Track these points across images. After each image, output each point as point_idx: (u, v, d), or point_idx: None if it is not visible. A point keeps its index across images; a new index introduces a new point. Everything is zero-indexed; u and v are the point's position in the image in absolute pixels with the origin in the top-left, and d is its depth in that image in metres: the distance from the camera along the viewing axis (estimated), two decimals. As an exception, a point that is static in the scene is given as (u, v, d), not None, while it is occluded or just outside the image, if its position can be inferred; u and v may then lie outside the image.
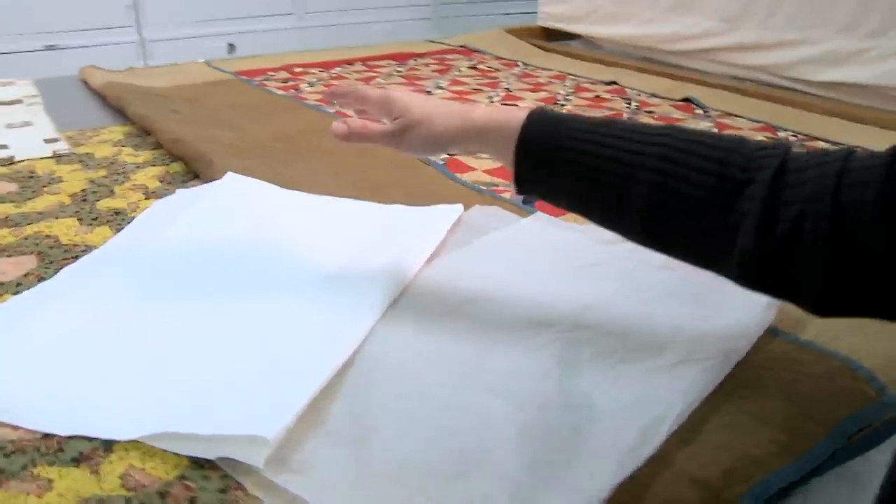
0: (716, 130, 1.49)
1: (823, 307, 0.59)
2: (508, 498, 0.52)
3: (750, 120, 1.57)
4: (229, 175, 1.06)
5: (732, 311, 0.76)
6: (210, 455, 0.57)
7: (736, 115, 1.60)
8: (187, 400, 0.62)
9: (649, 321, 0.75)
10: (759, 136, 1.46)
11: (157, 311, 0.76)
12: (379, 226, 0.94)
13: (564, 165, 0.64)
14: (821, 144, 1.42)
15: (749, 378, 0.69)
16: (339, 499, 0.52)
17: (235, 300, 0.77)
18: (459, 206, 0.99)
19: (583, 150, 0.63)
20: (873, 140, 1.41)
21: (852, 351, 0.73)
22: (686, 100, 1.71)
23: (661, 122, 1.54)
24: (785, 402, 0.66)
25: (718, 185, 0.58)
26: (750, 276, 0.59)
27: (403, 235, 0.90)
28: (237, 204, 0.99)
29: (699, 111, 1.64)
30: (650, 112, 1.62)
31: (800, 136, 1.47)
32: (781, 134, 1.48)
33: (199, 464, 0.58)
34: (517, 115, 0.68)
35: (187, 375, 0.66)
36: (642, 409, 0.61)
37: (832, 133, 1.46)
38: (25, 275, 0.86)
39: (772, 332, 0.76)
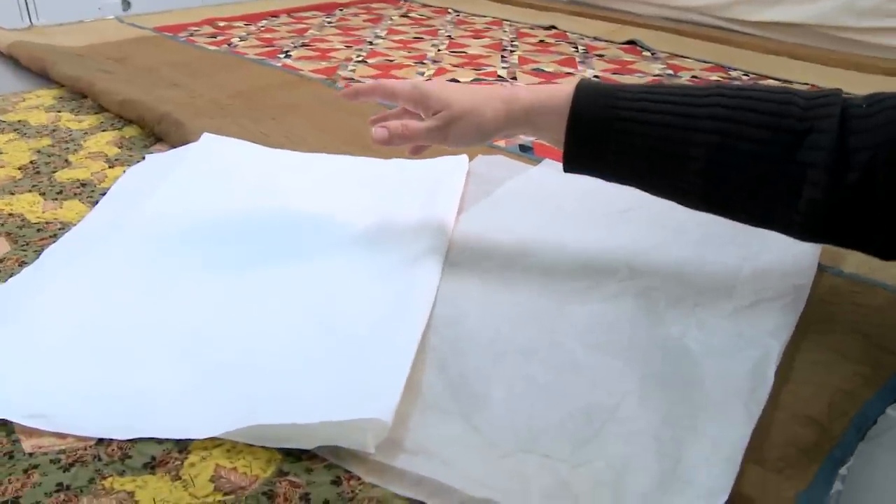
0: (670, 72, 1.50)
1: (894, 251, 0.59)
2: (654, 455, 0.49)
3: (698, 61, 1.58)
4: (206, 136, 0.96)
5: (779, 247, 0.75)
6: (310, 445, 0.51)
7: (684, 56, 1.61)
8: (268, 388, 0.55)
9: (702, 264, 0.74)
10: (714, 77, 1.47)
11: (188, 290, 0.67)
12: (392, 181, 0.88)
13: (620, 137, 0.62)
14: (772, 83, 1.45)
15: (817, 313, 0.69)
16: (472, 474, 0.47)
17: (275, 272, 0.69)
18: (464, 157, 0.94)
19: (637, 120, 0.61)
20: (822, 78, 1.45)
21: (893, 279, 0.75)
22: (631, 42, 1.71)
23: (613, 65, 1.53)
24: (856, 334, 0.66)
25: (776, 137, 0.57)
26: (817, 228, 0.58)
27: (423, 189, 0.85)
28: (228, 166, 0.90)
29: (647, 53, 1.64)
30: (600, 56, 1.61)
31: (751, 76, 1.49)
32: (733, 73, 1.50)
33: (294, 456, 0.52)
34: (563, 91, 0.64)
35: (258, 361, 0.58)
36: (741, 352, 0.59)
37: (780, 72, 1.50)
38: (2, 260, 0.75)
39: (819, 269, 0.76)
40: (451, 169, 0.90)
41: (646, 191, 0.65)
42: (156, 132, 1.05)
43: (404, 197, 0.83)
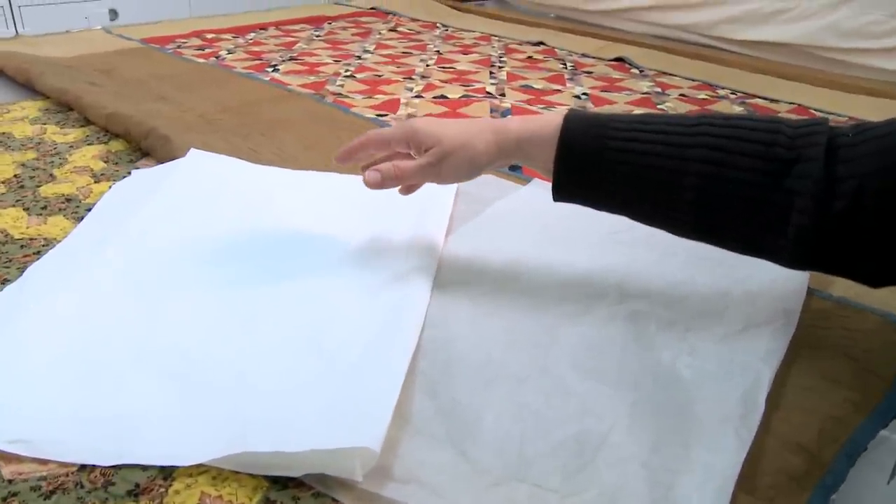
0: (658, 90, 1.51)
1: (881, 279, 0.60)
2: (645, 483, 0.48)
3: (686, 79, 1.59)
4: (193, 152, 0.96)
5: (769, 270, 0.75)
6: (297, 473, 0.50)
7: (671, 74, 1.62)
8: (255, 414, 0.54)
9: (692, 287, 0.74)
10: (701, 95, 1.48)
11: (176, 310, 0.66)
12: (381, 200, 0.87)
13: (610, 166, 0.62)
14: (759, 102, 1.46)
15: (807, 338, 0.69)
16: (462, 503, 0.47)
17: (265, 291, 0.69)
18: (453, 177, 0.94)
19: (627, 150, 0.61)
20: (810, 97, 1.46)
21: (884, 304, 0.75)
22: (619, 59, 1.72)
23: (601, 82, 1.54)
24: (846, 359, 0.66)
25: (765, 166, 0.58)
26: (805, 256, 0.59)
27: (412, 209, 0.84)
28: (216, 183, 0.89)
29: (635, 71, 1.65)
30: (588, 73, 1.61)
31: (738, 95, 1.50)
32: (720, 91, 1.51)
33: (281, 483, 0.51)
34: (553, 121, 0.65)
35: (245, 385, 0.57)
36: (732, 378, 0.59)
37: (768, 91, 1.51)
38: (-18, 277, 0.74)
39: (807, 291, 0.76)
40: (441, 188, 0.90)
41: (635, 220, 0.66)
42: (142, 147, 1.04)
43: (394, 216, 0.82)
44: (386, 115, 1.24)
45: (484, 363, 0.60)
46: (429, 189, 0.90)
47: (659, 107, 1.39)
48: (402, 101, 1.33)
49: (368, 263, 0.73)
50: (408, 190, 0.75)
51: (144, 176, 0.94)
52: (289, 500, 0.50)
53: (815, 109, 1.39)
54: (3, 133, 1.12)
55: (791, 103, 1.43)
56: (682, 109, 1.38)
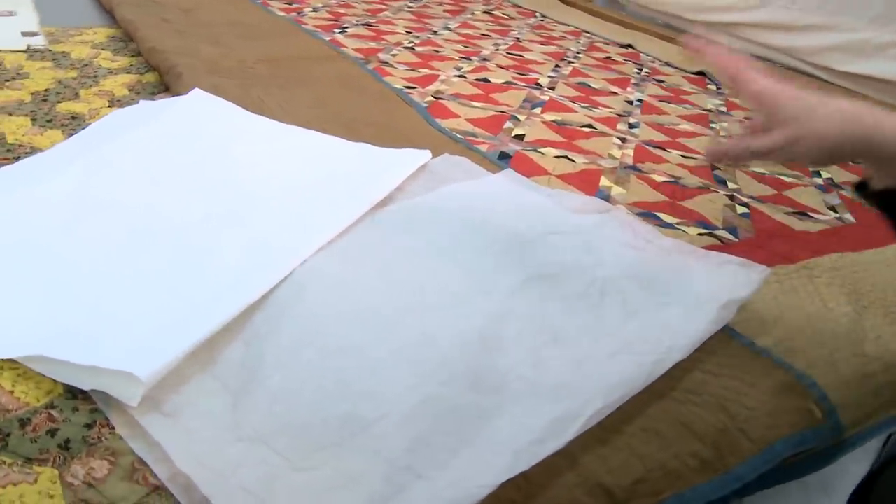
0: (723, 108, 1.42)
1: None
2: (382, 479, 0.47)
3: (764, 103, 1.49)
4: (195, 91, 1.00)
5: (689, 302, 0.71)
6: (84, 386, 0.53)
7: (750, 97, 1.52)
8: (77, 323, 0.58)
9: (597, 302, 0.70)
10: (769, 122, 1.38)
11: (77, 224, 0.71)
12: (336, 163, 0.89)
13: None
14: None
15: (692, 381, 0.64)
16: (197, 452, 0.48)
17: (160, 223, 0.72)
18: (427, 153, 0.94)
19: None
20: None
21: (810, 366, 0.68)
22: (701, 73, 1.63)
23: (666, 92, 1.47)
24: (721, 412, 0.61)
25: None
26: None
27: (359, 175, 0.85)
28: (196, 122, 0.94)
29: (712, 86, 1.56)
30: (659, 81, 1.54)
31: (812, 127, 1.39)
32: (793, 122, 1.40)
33: (73, 394, 0.54)
34: None
35: (86, 297, 0.61)
36: (557, 400, 0.56)
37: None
38: (-42, 170, 0.82)
39: (730, 334, 0.71)
40: (402, 161, 0.90)
41: None
42: (164, 81, 1.11)
43: (336, 179, 0.84)
44: (414, 87, 1.25)
45: (309, 331, 0.59)
46: (391, 159, 0.91)
47: (711, 125, 1.31)
48: (441, 77, 1.33)
49: (271, 215, 0.75)
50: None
51: (145, 107, 1.00)
52: (68, 410, 0.53)
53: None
54: (63, 52, 1.22)
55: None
56: (736, 131, 1.29)
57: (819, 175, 1.16)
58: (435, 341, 0.59)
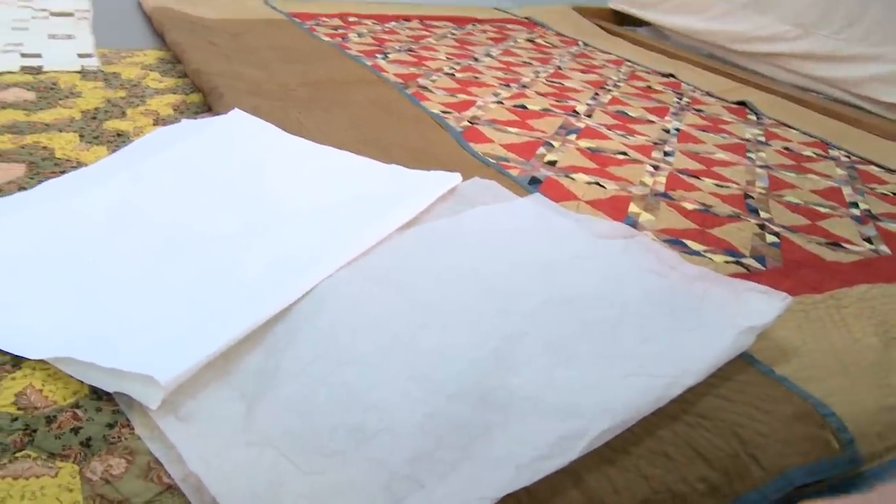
0: (762, 139, 1.41)
1: None
2: (382, 487, 0.48)
3: (803, 133, 1.48)
4: (235, 111, 1.04)
5: (706, 327, 0.71)
6: (108, 388, 0.56)
7: (789, 127, 1.51)
8: (105, 329, 0.61)
9: (615, 326, 0.70)
10: (807, 152, 1.37)
11: (112, 235, 0.75)
12: (367, 183, 0.91)
13: None
14: (872, 170, 1.33)
15: (705, 406, 0.64)
16: (208, 455, 0.50)
17: (191, 236, 0.75)
18: (457, 176, 0.95)
19: None
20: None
21: (829, 394, 0.67)
22: (741, 103, 1.62)
23: (704, 122, 1.46)
24: (733, 438, 0.61)
25: None
26: None
27: (387, 196, 0.87)
28: (233, 140, 0.97)
29: (752, 117, 1.55)
30: (699, 111, 1.54)
31: (852, 158, 1.37)
32: (833, 152, 1.39)
33: (98, 395, 0.56)
34: None
35: (115, 305, 0.64)
36: (564, 418, 0.56)
37: (889, 159, 1.36)
38: (9, 182, 0.86)
39: (748, 360, 0.70)
40: (432, 183, 0.92)
41: None
42: (207, 102, 1.15)
43: (366, 199, 0.86)
44: (450, 112, 1.27)
45: (326, 343, 0.61)
46: (421, 182, 0.92)
47: (748, 155, 1.31)
48: (478, 103, 1.35)
49: (299, 232, 0.77)
50: None
51: (186, 125, 1.04)
52: (93, 409, 0.55)
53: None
54: (113, 72, 1.27)
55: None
56: (774, 161, 1.28)
57: (857, 206, 1.15)
58: (447, 357, 0.61)
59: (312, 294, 0.67)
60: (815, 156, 1.36)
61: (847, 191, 1.21)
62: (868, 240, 1.03)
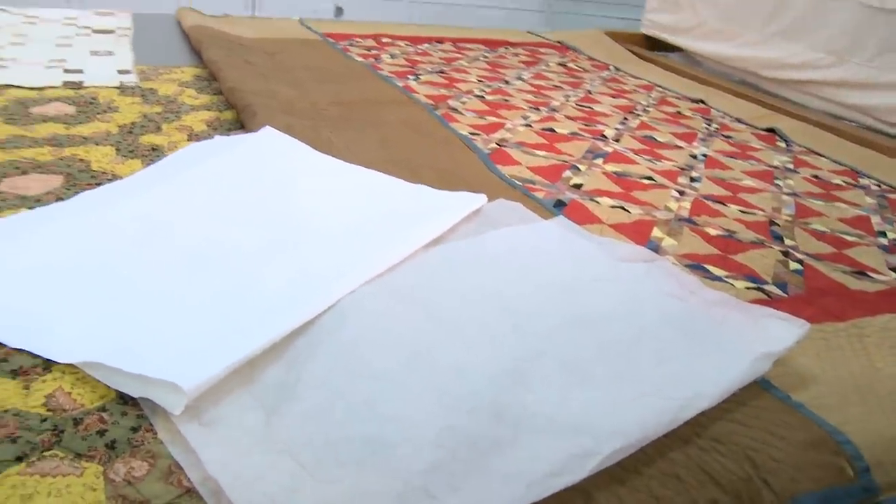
0: (790, 166, 1.40)
1: None
2: (395, 497, 0.49)
3: (833, 161, 1.47)
4: (266, 129, 1.07)
5: (723, 352, 0.71)
6: (134, 393, 0.58)
7: (819, 155, 1.50)
8: (132, 336, 0.63)
9: (632, 349, 0.71)
10: (836, 180, 1.36)
11: (142, 246, 0.77)
12: (393, 202, 0.93)
13: None
14: (903, 200, 1.32)
15: (719, 430, 0.64)
16: (227, 460, 0.51)
17: (218, 249, 0.77)
18: (482, 197, 0.97)
19: None
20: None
21: (846, 422, 0.67)
22: (771, 130, 1.62)
23: (732, 148, 1.46)
24: (746, 462, 0.61)
25: None
26: None
27: (413, 215, 0.89)
28: (264, 157, 1.00)
29: (781, 144, 1.55)
30: (727, 137, 1.54)
31: (883, 187, 1.36)
32: (862, 181, 1.38)
33: (124, 400, 0.58)
34: None
35: (143, 313, 0.66)
36: (576, 437, 0.57)
37: (920, 190, 1.35)
38: (47, 193, 0.89)
39: (764, 386, 0.70)
40: (457, 204, 0.93)
41: None
42: (240, 119, 1.18)
43: (391, 218, 0.87)
44: (479, 134, 1.29)
45: (347, 357, 0.62)
46: (447, 202, 0.94)
47: (775, 182, 1.30)
48: (507, 126, 1.37)
49: (323, 248, 0.79)
50: None
51: (219, 141, 1.07)
52: (118, 413, 0.57)
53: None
54: (150, 89, 1.31)
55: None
56: (801, 189, 1.28)
57: (885, 235, 1.14)
58: (464, 374, 0.62)
59: (335, 309, 0.68)
60: (844, 184, 1.35)
61: (876, 220, 1.20)
62: (895, 269, 1.02)
